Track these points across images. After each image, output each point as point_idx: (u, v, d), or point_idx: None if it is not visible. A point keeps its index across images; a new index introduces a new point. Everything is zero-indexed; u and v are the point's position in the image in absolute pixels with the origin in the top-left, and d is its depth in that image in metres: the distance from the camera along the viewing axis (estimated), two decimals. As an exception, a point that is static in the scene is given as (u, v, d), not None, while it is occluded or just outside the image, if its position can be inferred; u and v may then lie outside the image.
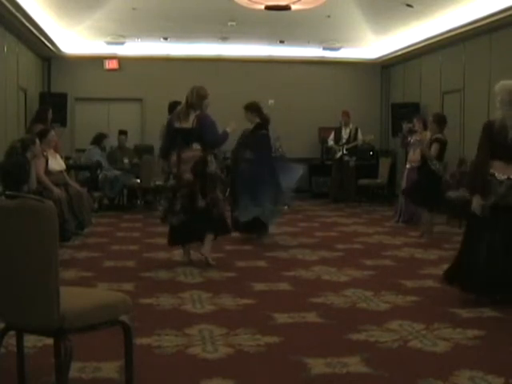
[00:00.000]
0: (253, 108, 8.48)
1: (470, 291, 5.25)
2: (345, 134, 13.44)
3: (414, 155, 9.76)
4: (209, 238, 6.81)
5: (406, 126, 11.01)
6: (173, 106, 8.04)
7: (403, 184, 10.24)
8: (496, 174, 5.13)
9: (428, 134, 9.37)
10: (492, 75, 10.55)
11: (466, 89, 11.70)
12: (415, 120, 10.17)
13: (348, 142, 13.38)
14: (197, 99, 6.73)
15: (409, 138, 10.21)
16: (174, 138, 6.78)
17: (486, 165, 5.21)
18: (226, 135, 7.00)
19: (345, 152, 13.28)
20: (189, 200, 6.68)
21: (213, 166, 6.79)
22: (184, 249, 6.97)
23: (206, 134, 6.69)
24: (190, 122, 6.71)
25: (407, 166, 10.21)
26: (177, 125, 6.78)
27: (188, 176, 6.67)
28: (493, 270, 5.09)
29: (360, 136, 13.48)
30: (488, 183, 5.15)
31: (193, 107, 6.72)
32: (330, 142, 13.61)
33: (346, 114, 13.48)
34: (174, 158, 6.76)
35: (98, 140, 12.30)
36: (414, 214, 9.75)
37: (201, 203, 6.66)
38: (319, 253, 7.58)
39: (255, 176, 8.21)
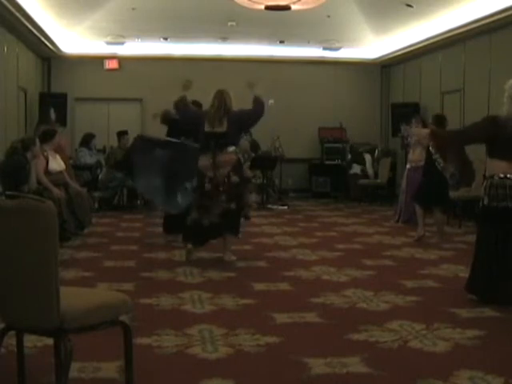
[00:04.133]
0: (164, 118, 8.38)
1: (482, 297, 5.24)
2: None
3: (414, 155, 9.77)
4: (230, 241, 6.97)
5: (404, 128, 11.02)
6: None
7: (403, 184, 10.25)
8: (508, 175, 5.07)
9: None
10: (492, 75, 10.56)
11: (466, 89, 11.70)
12: (413, 121, 10.18)
13: None
14: (230, 102, 6.80)
15: (408, 139, 10.24)
16: (206, 142, 6.81)
17: (466, 139, 5.33)
18: (262, 105, 7.11)
19: None
20: (214, 202, 6.75)
21: (248, 171, 6.90)
22: (193, 246, 6.99)
23: (246, 116, 6.89)
24: (224, 126, 6.77)
25: (407, 166, 10.23)
26: (208, 129, 6.80)
27: (235, 178, 6.76)
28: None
29: None
30: (458, 153, 5.21)
31: (228, 111, 6.78)
32: None
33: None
34: (206, 162, 6.79)
35: (86, 141, 12.35)
36: (414, 213, 9.71)
37: (232, 205, 6.77)
38: (319, 253, 7.58)
39: None
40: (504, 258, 5.11)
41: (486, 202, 5.19)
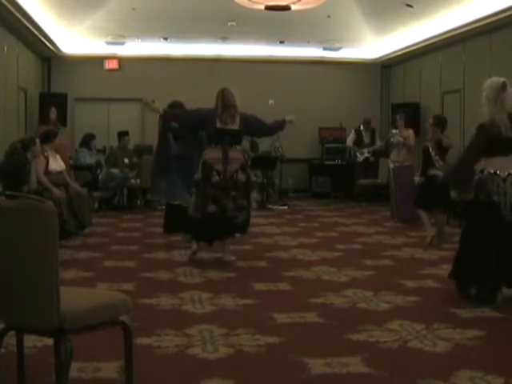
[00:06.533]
0: (175, 106, 8.16)
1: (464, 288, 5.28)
2: (366, 137, 13.73)
3: (400, 156, 10.10)
4: (229, 241, 6.97)
5: (392, 134, 11.07)
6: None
7: (392, 184, 10.34)
8: (498, 172, 5.13)
9: (411, 132, 10.12)
10: (492, 75, 10.50)
11: (466, 89, 11.70)
12: (398, 117, 10.38)
13: (371, 144, 13.66)
14: (235, 99, 6.81)
15: (391, 139, 10.37)
16: (218, 138, 6.79)
17: (472, 162, 5.25)
18: (283, 123, 7.17)
19: (368, 155, 13.47)
20: (221, 199, 6.74)
21: (251, 173, 6.98)
22: (198, 246, 6.99)
23: (260, 124, 6.99)
24: (236, 124, 6.80)
25: (391, 165, 10.35)
26: (219, 126, 6.79)
27: (242, 177, 6.79)
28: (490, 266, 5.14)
29: (378, 141, 13.68)
30: (471, 180, 5.22)
31: (236, 108, 6.80)
32: (350, 143, 13.73)
33: (368, 122, 13.80)
34: (215, 155, 6.76)
35: (86, 141, 12.39)
36: (412, 213, 9.68)
37: (245, 203, 6.82)
38: (319, 253, 7.58)
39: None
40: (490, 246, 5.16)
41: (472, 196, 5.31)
